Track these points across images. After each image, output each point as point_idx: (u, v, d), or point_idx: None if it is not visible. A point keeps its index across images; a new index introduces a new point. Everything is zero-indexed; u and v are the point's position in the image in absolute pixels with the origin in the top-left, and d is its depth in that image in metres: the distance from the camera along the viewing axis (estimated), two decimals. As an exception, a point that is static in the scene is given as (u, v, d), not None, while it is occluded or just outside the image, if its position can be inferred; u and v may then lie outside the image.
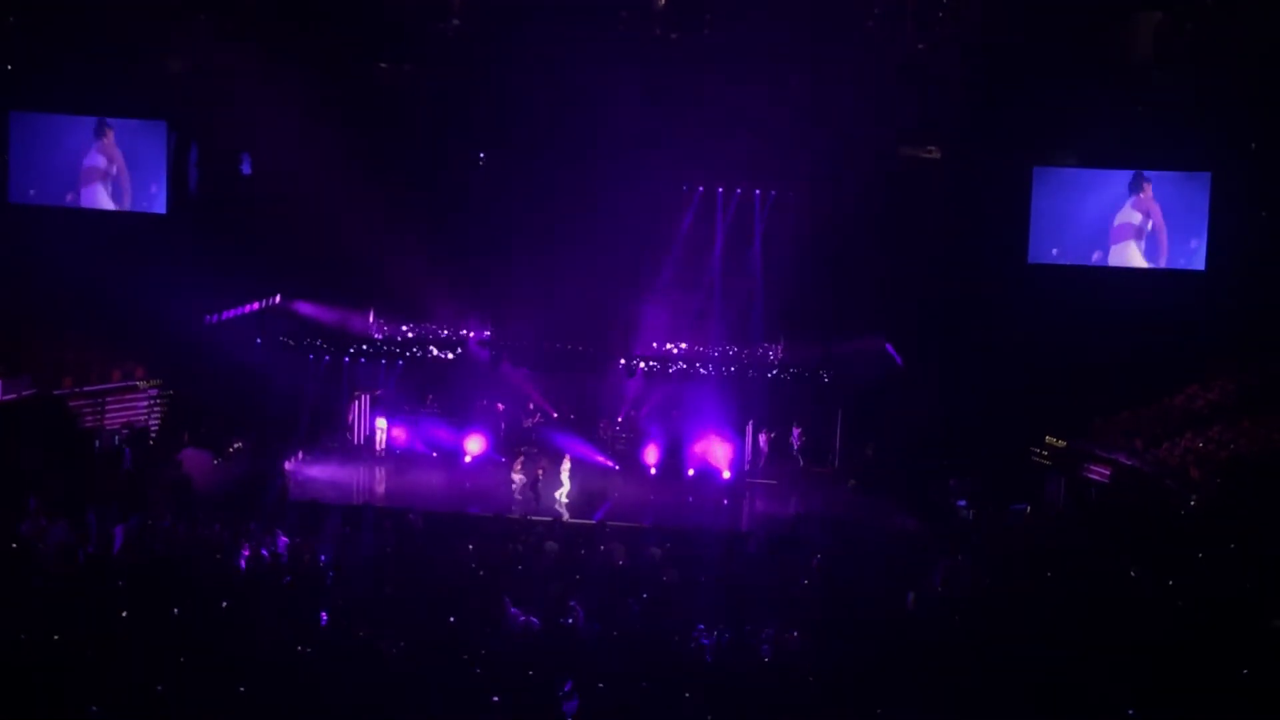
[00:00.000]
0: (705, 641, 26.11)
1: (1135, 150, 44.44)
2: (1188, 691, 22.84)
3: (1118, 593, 29.35)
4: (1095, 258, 44.94)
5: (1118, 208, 44.77)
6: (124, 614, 25.90)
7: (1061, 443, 41.80)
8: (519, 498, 39.40)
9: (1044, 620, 27.28)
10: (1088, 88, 41.42)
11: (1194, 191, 44.42)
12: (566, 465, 40.41)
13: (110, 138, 46.28)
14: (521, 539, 33.66)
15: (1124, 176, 44.68)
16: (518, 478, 39.80)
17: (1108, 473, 39.87)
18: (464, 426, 44.57)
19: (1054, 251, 45.08)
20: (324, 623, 26.23)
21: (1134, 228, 44.64)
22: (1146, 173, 44.57)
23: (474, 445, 44.05)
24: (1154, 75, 41.88)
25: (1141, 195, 44.58)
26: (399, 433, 45.02)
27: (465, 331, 45.75)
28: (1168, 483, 37.75)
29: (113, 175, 46.35)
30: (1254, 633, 26.37)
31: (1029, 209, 45.06)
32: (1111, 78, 41.58)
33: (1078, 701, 22.82)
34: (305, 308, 46.62)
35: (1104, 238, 44.88)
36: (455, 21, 42.95)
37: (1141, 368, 42.02)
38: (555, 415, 46.43)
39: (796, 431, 44.14)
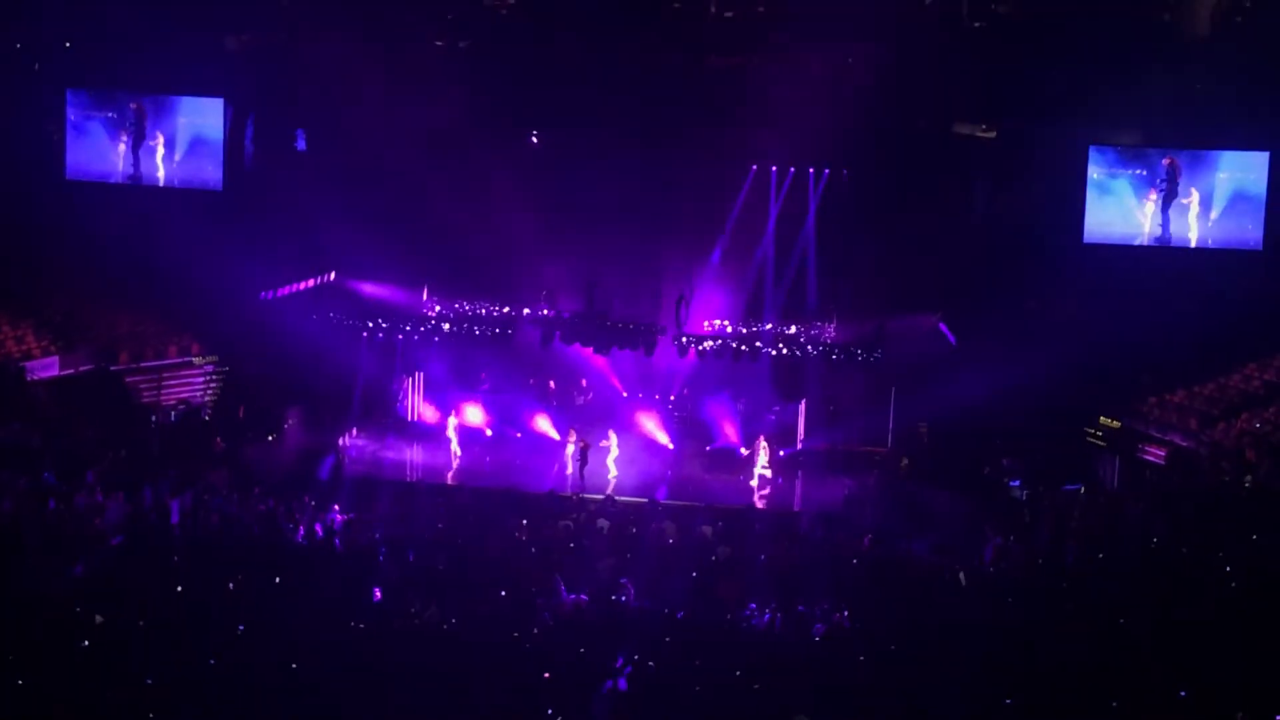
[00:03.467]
0: (756, 621, 26.19)
1: (1192, 129, 44.08)
2: (1241, 673, 22.73)
3: (1172, 574, 29.18)
4: (1151, 236, 44.62)
5: (1174, 186, 44.43)
6: (179, 588, 26.16)
7: (1116, 423, 41.52)
8: (569, 474, 39.51)
9: (1097, 600, 27.21)
10: (1145, 66, 41.05)
11: (1252, 170, 44.04)
12: (613, 441, 40.33)
13: (167, 114, 46.53)
14: (574, 516, 33.80)
15: (1180, 155, 44.34)
16: (571, 453, 39.85)
17: (1163, 453, 39.59)
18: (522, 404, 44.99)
19: (1109, 230, 44.79)
20: (377, 598, 26.45)
21: (1191, 206, 44.29)
22: (1202, 152, 44.25)
23: (470, 415, 44.68)
24: (1212, 54, 41.48)
25: (1195, 174, 44.27)
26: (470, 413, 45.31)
27: (518, 309, 45.65)
28: (1223, 464, 37.48)
29: (169, 151, 46.61)
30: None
31: (1085, 187, 44.75)
32: (1169, 56, 41.20)
33: (1130, 682, 22.75)
34: (360, 285, 46.77)
35: (1160, 216, 44.54)
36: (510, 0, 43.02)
37: (1197, 347, 41.69)
38: (625, 394, 46.59)
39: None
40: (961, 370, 41.89)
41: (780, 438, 43.34)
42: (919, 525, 33.07)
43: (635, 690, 21.83)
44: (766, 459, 39.77)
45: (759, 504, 38.34)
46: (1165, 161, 44.18)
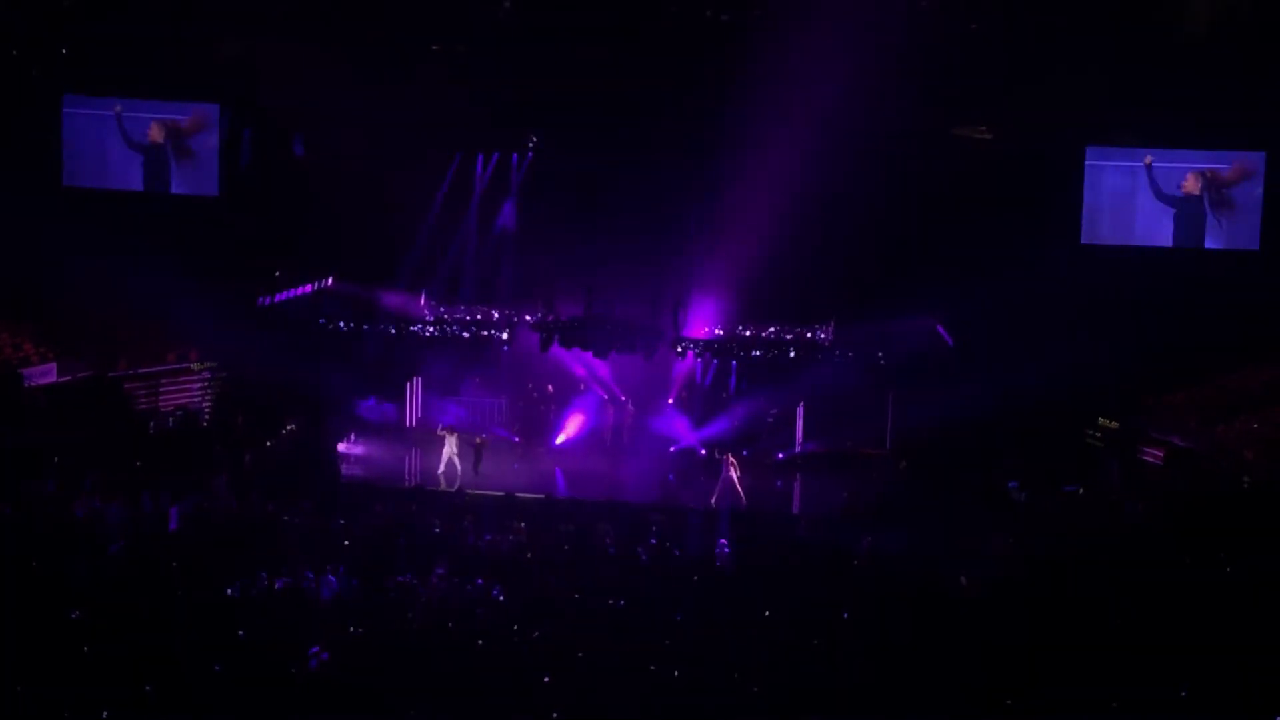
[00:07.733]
0: (756, 620, 26.23)
1: (1189, 129, 44.04)
2: (1241, 672, 22.77)
3: (1170, 575, 29.22)
4: (1149, 237, 44.61)
5: (1171, 186, 44.43)
6: (179, 593, 26.17)
7: (1114, 424, 41.55)
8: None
9: (1096, 600, 27.23)
10: (1142, 66, 41.04)
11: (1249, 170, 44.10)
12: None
13: (163, 120, 46.44)
14: (574, 520, 33.79)
15: (1177, 155, 44.36)
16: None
17: (1161, 454, 39.62)
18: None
19: (1107, 231, 44.81)
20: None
21: (1189, 206, 44.29)
22: (1198, 152, 44.26)
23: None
24: (1209, 53, 41.44)
25: (1194, 174, 44.27)
26: None
27: (516, 313, 45.55)
28: (1222, 464, 37.50)
29: (166, 157, 46.52)
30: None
31: (1082, 188, 44.75)
32: (1166, 56, 41.16)
33: (1131, 679, 22.78)
34: (358, 290, 46.73)
35: (1157, 216, 44.55)
36: (506, 3, 42.90)
37: (1196, 348, 41.64)
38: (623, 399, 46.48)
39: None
40: (959, 371, 41.91)
41: (778, 441, 43.62)
42: (918, 527, 33.05)
43: (642, 691, 21.93)
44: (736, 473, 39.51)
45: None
46: (1147, 160, 44.25)
